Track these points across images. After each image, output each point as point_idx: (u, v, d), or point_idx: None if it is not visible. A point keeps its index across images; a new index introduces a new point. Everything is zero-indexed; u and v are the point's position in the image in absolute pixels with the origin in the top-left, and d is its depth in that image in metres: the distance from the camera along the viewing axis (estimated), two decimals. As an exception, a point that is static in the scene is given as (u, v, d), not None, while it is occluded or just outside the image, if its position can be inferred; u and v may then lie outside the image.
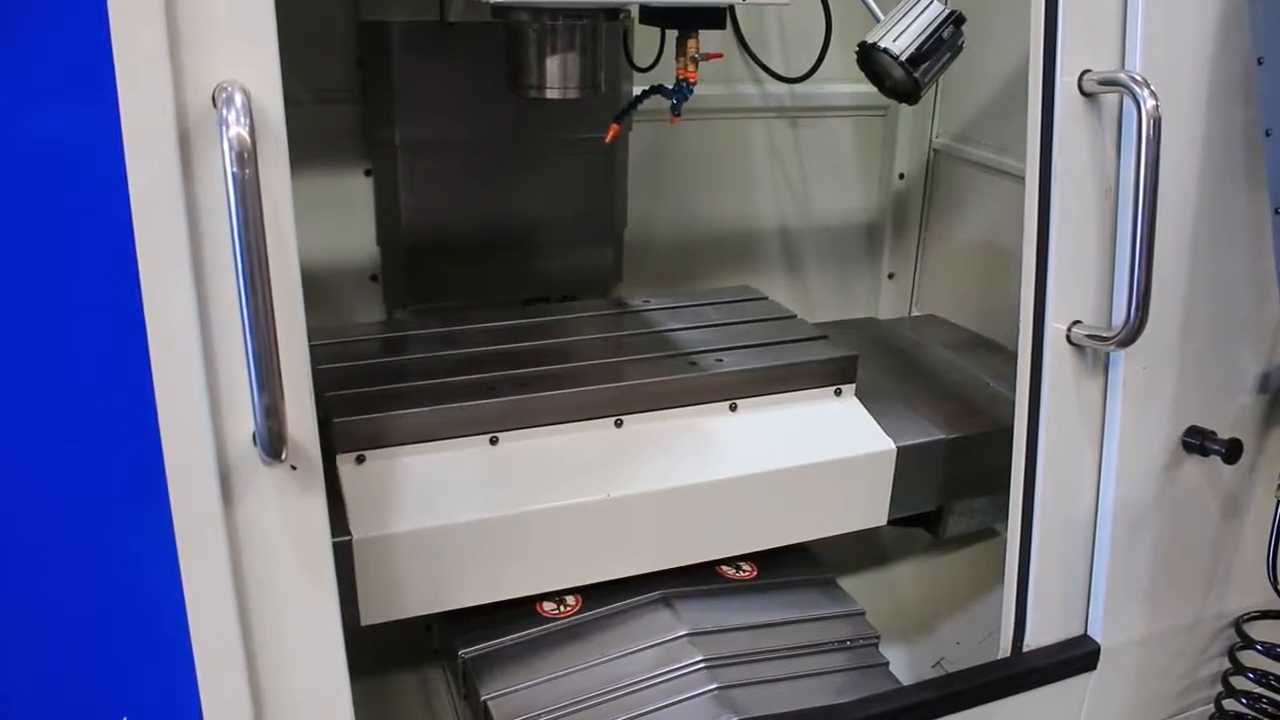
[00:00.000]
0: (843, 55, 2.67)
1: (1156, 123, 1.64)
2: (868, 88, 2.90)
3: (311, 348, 2.09)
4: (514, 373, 2.05)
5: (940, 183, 3.17)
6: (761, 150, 3.08)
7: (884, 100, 2.99)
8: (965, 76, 2.78)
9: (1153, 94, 1.65)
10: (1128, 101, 1.73)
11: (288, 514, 1.37)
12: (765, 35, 2.91)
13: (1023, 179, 2.79)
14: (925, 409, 2.34)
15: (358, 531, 1.74)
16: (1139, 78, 1.67)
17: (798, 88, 2.88)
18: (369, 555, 1.74)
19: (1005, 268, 2.93)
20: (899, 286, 3.34)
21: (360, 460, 1.85)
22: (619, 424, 2.02)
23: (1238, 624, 2.14)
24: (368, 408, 1.88)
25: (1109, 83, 1.71)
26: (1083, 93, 1.73)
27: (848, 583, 2.24)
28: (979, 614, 2.67)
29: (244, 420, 1.32)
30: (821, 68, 2.65)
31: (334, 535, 1.66)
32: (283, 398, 1.25)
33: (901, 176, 3.23)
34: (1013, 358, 2.69)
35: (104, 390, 1.28)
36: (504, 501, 1.86)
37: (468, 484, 1.88)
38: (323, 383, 1.96)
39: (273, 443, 1.25)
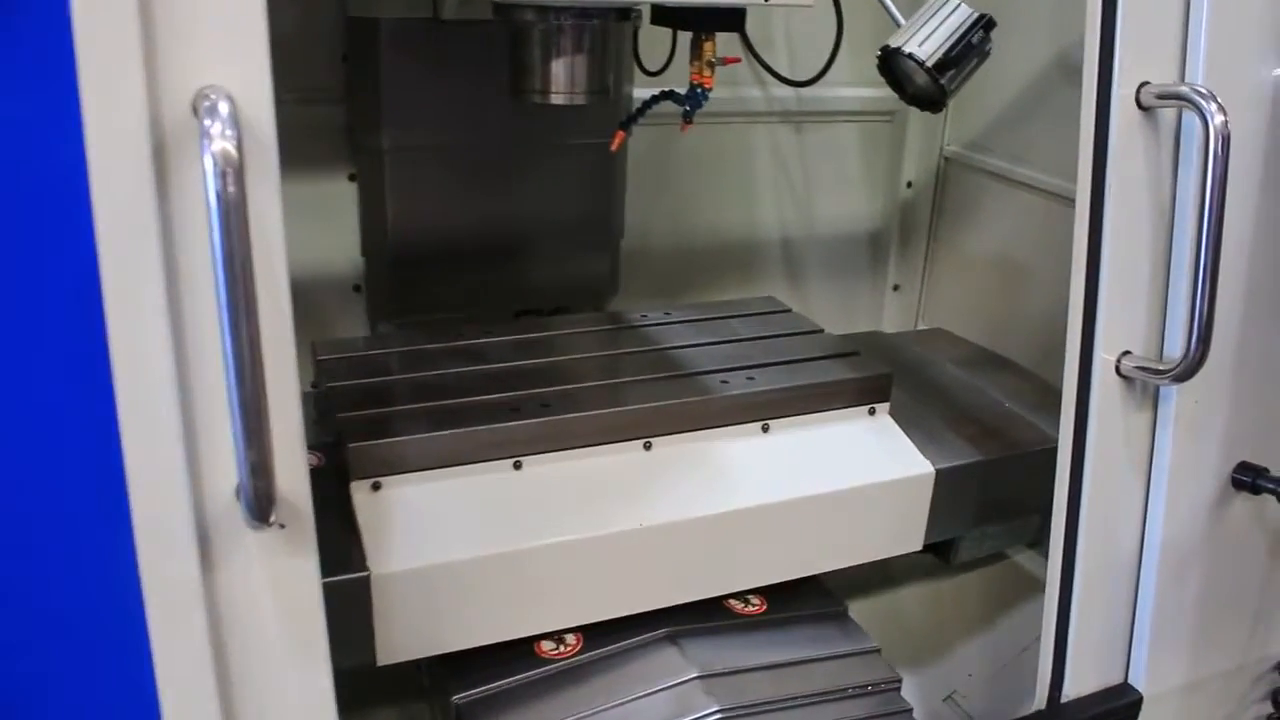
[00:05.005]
0: (850, 59, 2.57)
1: (1225, 140, 1.52)
2: (875, 92, 2.81)
3: (320, 363, 2.05)
4: (537, 391, 1.94)
5: (951, 192, 3.05)
6: (765, 156, 2.97)
7: (892, 105, 2.91)
8: (979, 82, 2.66)
9: (1221, 108, 1.52)
10: (1188, 116, 1.61)
11: (276, 578, 1.22)
12: (771, 37, 2.79)
13: (1039, 189, 2.76)
14: (947, 430, 2.24)
15: (376, 567, 1.62)
16: (1204, 91, 1.55)
17: (804, 91, 2.77)
18: (387, 592, 1.63)
19: (1019, 282, 2.84)
20: (904, 299, 3.24)
21: (376, 488, 1.73)
22: (648, 446, 1.92)
23: (1282, 668, 2.05)
24: (384, 430, 1.77)
25: (1170, 96, 1.58)
26: (1140, 106, 1.61)
27: (853, 606, 2.15)
28: (990, 642, 2.60)
29: (225, 472, 1.17)
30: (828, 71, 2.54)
31: (349, 571, 1.60)
32: (271, 453, 1.10)
33: (909, 185, 3.12)
34: (1025, 374, 2.65)
35: (64, 440, 1.12)
36: (539, 532, 1.76)
37: (493, 513, 1.77)
38: (336, 403, 1.88)
39: (260, 505, 1.10)
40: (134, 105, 1.07)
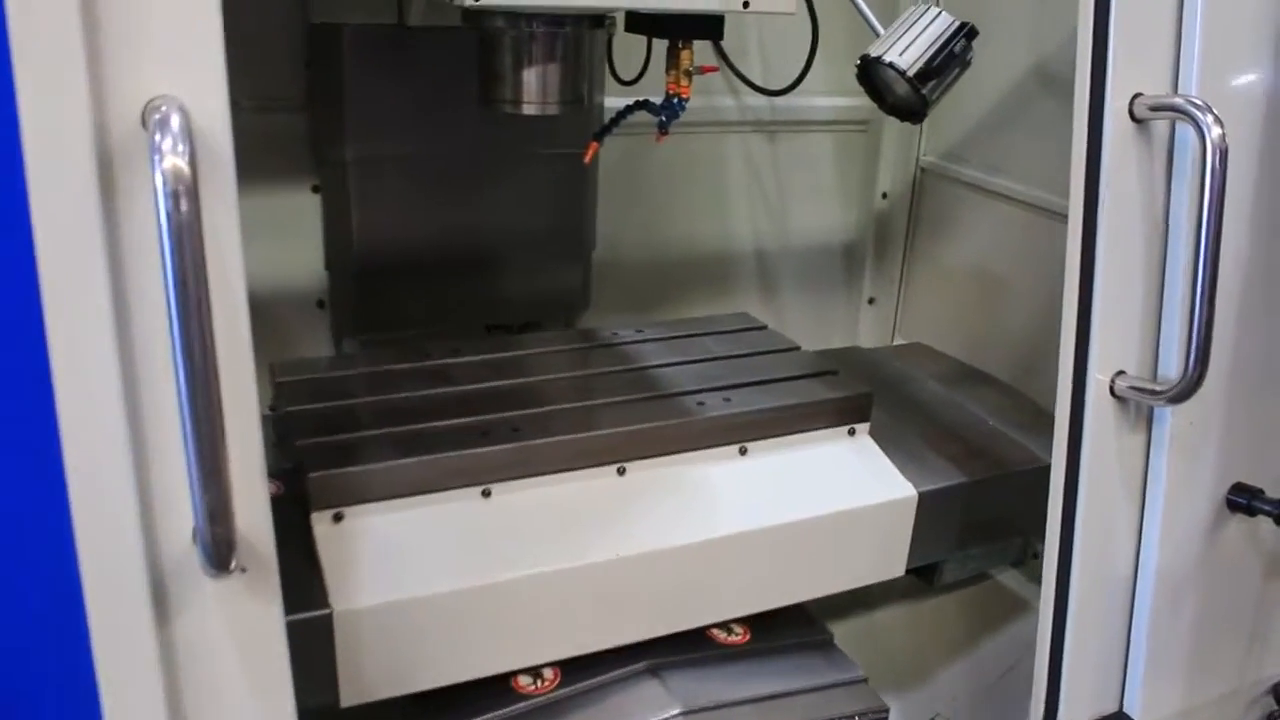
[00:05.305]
0: (825, 67, 2.51)
1: (1223, 154, 1.47)
2: (850, 101, 2.76)
3: (278, 385, 1.95)
4: (507, 415, 1.86)
5: (927, 203, 3.01)
6: (738, 166, 2.91)
7: (867, 115, 2.86)
8: (956, 91, 2.63)
9: (1217, 120, 1.47)
10: (1183, 129, 1.56)
11: (236, 625, 1.13)
12: (745, 45, 2.73)
13: (1017, 201, 2.72)
14: (929, 450, 2.18)
15: (338, 603, 1.54)
16: (1200, 102, 1.50)
17: (777, 101, 2.71)
18: (351, 630, 1.54)
19: (997, 295, 2.80)
20: (880, 312, 3.18)
21: (338, 519, 1.65)
22: (622, 471, 1.84)
23: (1276, 690, 2.00)
24: (347, 458, 1.68)
25: (1164, 108, 1.53)
26: (1133, 119, 1.56)
27: (834, 629, 2.09)
28: (974, 663, 2.56)
29: (180, 513, 1.08)
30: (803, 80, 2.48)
31: (310, 608, 1.51)
32: (230, 495, 1.01)
33: (885, 196, 3.07)
34: (1007, 391, 2.61)
35: (2, 480, 1.03)
36: (510, 563, 1.68)
37: (462, 544, 1.69)
38: (296, 428, 1.79)
39: (219, 552, 1.01)
40: (78, 117, 0.99)
